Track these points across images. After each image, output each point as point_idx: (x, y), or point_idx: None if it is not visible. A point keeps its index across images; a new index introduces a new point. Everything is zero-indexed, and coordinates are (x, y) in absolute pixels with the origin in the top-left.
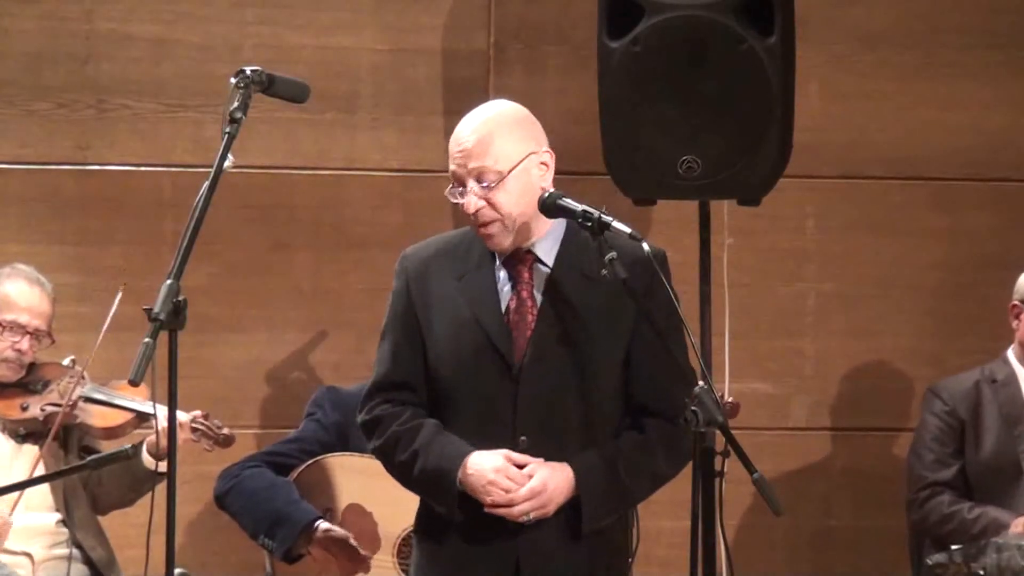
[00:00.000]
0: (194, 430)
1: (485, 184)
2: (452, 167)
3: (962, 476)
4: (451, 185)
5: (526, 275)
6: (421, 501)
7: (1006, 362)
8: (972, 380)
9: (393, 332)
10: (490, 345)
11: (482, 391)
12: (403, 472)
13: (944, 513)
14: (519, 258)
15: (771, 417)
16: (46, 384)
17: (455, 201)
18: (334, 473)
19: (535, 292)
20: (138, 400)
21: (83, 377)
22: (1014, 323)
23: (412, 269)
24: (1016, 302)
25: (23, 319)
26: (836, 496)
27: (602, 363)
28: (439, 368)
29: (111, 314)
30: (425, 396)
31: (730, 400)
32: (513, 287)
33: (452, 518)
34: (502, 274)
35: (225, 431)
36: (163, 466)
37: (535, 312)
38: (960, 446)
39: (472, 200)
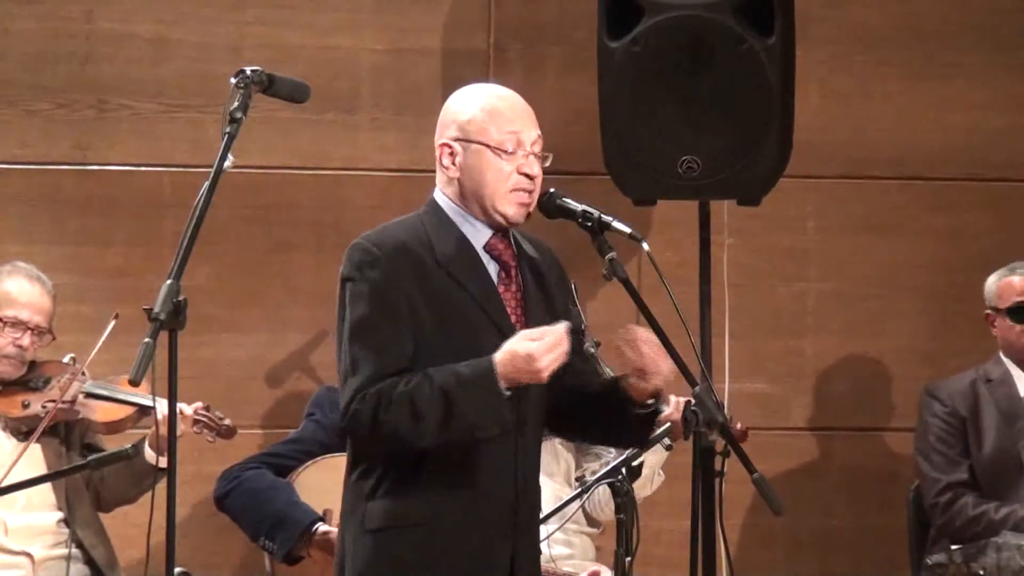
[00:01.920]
0: (196, 422)
1: (539, 154)
2: (515, 127)
3: (973, 474)
4: (494, 149)
5: (513, 262)
6: (377, 497)
7: (999, 362)
8: (968, 380)
9: (379, 325)
10: (496, 331)
11: None
12: (432, 417)
13: (970, 516)
14: (505, 244)
15: (771, 417)
16: (47, 381)
17: (509, 164)
18: (334, 474)
19: (519, 278)
20: (139, 394)
21: (83, 374)
22: (993, 330)
23: (389, 256)
24: (987, 311)
25: (24, 315)
26: (836, 496)
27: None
28: (436, 355)
29: (103, 338)
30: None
31: (739, 426)
32: (506, 273)
33: (508, 427)
34: (487, 258)
35: (227, 422)
36: (164, 461)
37: (520, 298)
38: (965, 445)
39: (536, 165)
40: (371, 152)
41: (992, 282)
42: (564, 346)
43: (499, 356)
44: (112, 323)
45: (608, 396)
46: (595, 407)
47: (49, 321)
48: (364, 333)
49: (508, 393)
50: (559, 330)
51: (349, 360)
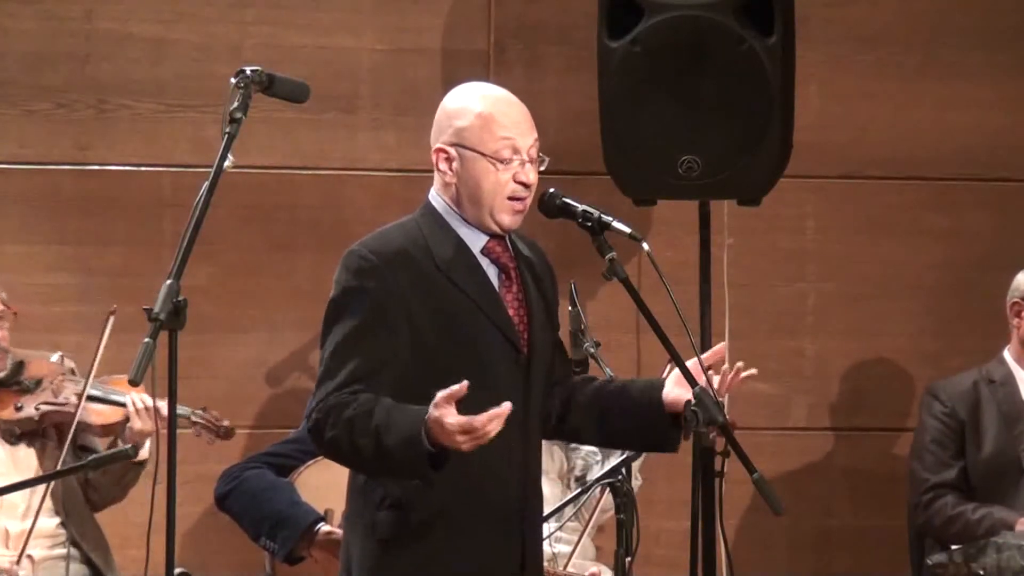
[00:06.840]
0: (194, 423)
1: (535, 158)
2: (510, 133)
3: (964, 476)
4: (490, 159)
5: (512, 264)
6: (386, 506)
7: (1002, 362)
8: (970, 380)
9: (370, 337)
10: (500, 335)
11: (491, 382)
12: (366, 455)
13: (948, 515)
14: (502, 247)
15: (771, 417)
16: (38, 383)
17: (505, 173)
18: (335, 473)
19: (519, 280)
20: (133, 393)
21: (74, 373)
22: (1014, 321)
23: (384, 264)
24: (1017, 299)
25: None
26: (836, 496)
27: (553, 349)
28: (438, 362)
29: (103, 339)
30: (387, 391)
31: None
32: (506, 275)
33: (430, 485)
34: (486, 262)
35: (225, 423)
36: (142, 454)
37: (521, 299)
38: (960, 447)
39: (533, 172)
40: (371, 152)
41: None
42: (487, 435)
43: (430, 415)
44: (110, 321)
45: (637, 401)
46: (623, 412)
47: (3, 301)
48: (352, 343)
49: (433, 450)
50: (485, 419)
51: (329, 364)
